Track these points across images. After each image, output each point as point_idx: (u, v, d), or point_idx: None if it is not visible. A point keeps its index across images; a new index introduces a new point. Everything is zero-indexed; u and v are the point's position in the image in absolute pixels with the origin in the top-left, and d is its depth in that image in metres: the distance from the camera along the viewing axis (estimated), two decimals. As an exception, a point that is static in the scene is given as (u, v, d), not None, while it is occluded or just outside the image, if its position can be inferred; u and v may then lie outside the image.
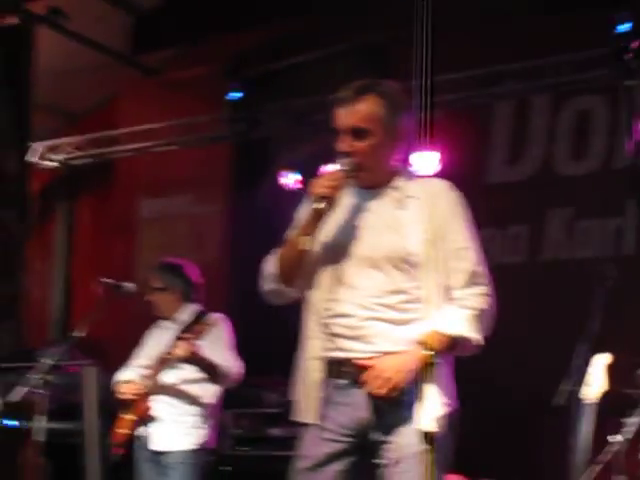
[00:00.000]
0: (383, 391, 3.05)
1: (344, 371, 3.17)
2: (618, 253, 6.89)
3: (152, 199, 8.87)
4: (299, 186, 7.46)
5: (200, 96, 8.21)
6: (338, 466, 3.19)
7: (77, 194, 9.48)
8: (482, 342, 3.14)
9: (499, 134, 7.52)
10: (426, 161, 6.63)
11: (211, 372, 4.83)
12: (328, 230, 3.23)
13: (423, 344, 3.07)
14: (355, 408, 3.17)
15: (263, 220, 8.28)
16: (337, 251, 3.22)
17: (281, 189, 7.83)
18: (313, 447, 3.21)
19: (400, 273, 3.16)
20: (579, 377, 4.38)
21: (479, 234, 3.23)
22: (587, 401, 3.77)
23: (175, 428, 4.90)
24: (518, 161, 7.43)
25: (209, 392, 4.96)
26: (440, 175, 6.09)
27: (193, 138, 8.16)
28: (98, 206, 9.28)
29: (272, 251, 3.31)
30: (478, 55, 7.13)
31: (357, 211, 3.25)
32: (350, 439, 3.19)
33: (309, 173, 7.42)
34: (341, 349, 3.17)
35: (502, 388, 6.17)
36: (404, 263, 3.16)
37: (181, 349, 4.72)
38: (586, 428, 3.74)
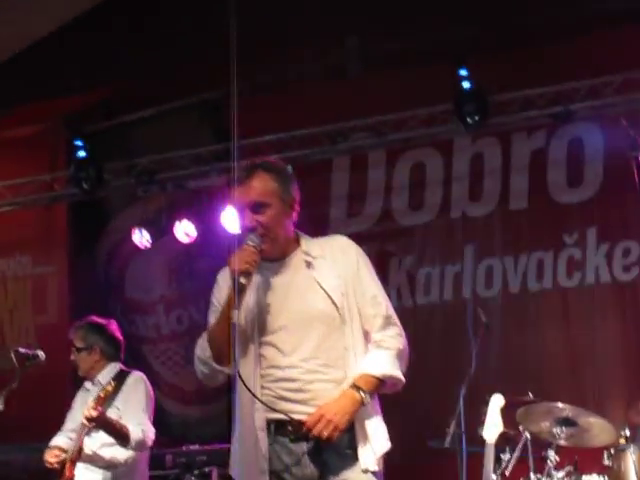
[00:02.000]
0: (325, 433, 3.21)
1: (289, 430, 3.30)
2: (457, 298, 7.21)
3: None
4: (147, 244, 7.43)
5: (35, 155, 8.03)
6: None
7: None
8: (403, 379, 3.39)
9: (338, 188, 7.73)
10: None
11: (117, 436, 4.75)
12: (250, 306, 3.38)
13: (355, 387, 3.29)
14: (303, 465, 3.28)
15: (104, 281, 8.17)
16: (263, 324, 3.36)
17: (122, 248, 7.76)
18: None
19: (329, 330, 3.35)
20: (460, 419, 4.58)
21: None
22: (488, 442, 3.96)
23: None
24: (359, 213, 7.64)
25: (124, 455, 4.89)
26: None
27: (30, 199, 7.95)
28: None
29: (200, 336, 3.43)
30: (318, 113, 7.32)
31: (272, 283, 3.42)
32: None
33: (156, 230, 7.43)
34: (284, 411, 3.29)
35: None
36: (330, 319, 3.36)
37: (85, 414, 4.64)
38: (487, 468, 3.93)
